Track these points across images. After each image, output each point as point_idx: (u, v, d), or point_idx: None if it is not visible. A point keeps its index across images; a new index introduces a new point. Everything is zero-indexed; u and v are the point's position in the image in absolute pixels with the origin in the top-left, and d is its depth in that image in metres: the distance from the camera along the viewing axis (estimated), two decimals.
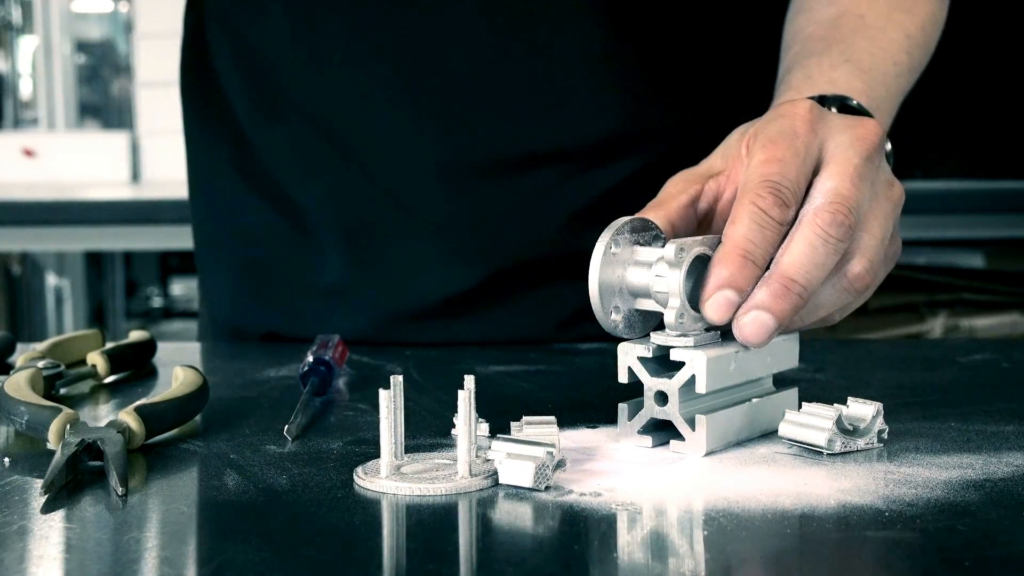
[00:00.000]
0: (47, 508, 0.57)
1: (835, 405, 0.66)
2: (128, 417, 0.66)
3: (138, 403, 0.68)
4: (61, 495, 0.59)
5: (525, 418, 0.66)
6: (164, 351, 0.93)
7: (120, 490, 0.59)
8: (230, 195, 1.05)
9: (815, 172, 0.69)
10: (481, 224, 0.97)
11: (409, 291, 0.99)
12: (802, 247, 0.66)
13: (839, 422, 0.65)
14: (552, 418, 0.66)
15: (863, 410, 0.67)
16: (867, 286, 0.69)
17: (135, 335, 0.90)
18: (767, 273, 0.66)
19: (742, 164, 0.71)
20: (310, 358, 0.80)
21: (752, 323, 0.64)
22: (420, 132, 0.96)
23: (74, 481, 0.61)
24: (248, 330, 1.05)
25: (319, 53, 0.97)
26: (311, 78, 0.98)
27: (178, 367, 0.76)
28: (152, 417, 0.67)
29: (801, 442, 0.65)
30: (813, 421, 0.65)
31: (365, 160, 0.98)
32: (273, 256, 1.03)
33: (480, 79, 0.95)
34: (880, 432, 0.67)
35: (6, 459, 0.65)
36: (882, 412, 0.67)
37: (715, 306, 0.65)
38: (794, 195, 0.67)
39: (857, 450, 0.66)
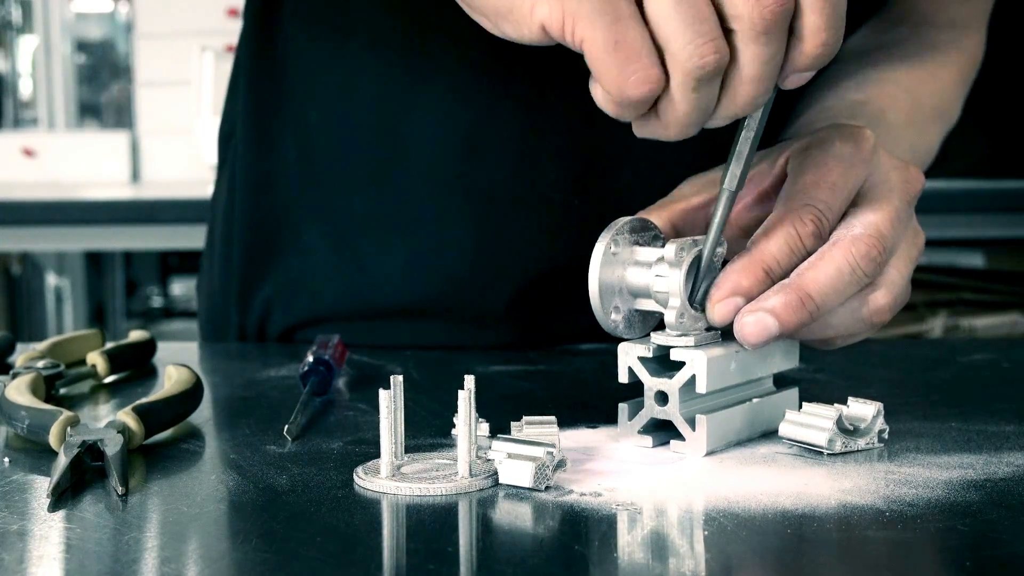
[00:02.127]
0: (53, 509, 0.57)
1: (835, 405, 0.66)
2: (127, 417, 0.66)
3: (136, 403, 0.68)
4: (64, 496, 0.59)
5: (525, 418, 0.66)
6: (164, 351, 0.92)
7: (120, 489, 0.59)
8: (288, 207, 1.03)
9: (854, 201, 0.69)
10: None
11: (480, 334, 0.98)
12: (830, 270, 0.66)
13: (839, 422, 0.65)
14: (552, 418, 0.66)
15: (863, 410, 0.67)
16: (883, 320, 0.69)
17: (135, 335, 0.90)
18: (787, 280, 0.66)
19: (769, 174, 0.72)
20: (310, 358, 0.80)
21: (756, 324, 0.64)
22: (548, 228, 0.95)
23: (76, 482, 0.61)
24: (294, 338, 1.04)
25: (488, 135, 0.95)
26: (459, 157, 0.95)
27: (170, 366, 0.76)
28: (150, 416, 0.67)
29: (801, 442, 0.65)
30: (813, 421, 0.65)
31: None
32: (328, 275, 1.01)
33: (633, 193, 0.94)
34: (880, 432, 0.67)
35: (6, 459, 0.66)
36: (882, 412, 0.67)
37: (724, 311, 0.65)
38: (831, 226, 0.68)
39: (857, 450, 0.66)
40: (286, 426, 0.69)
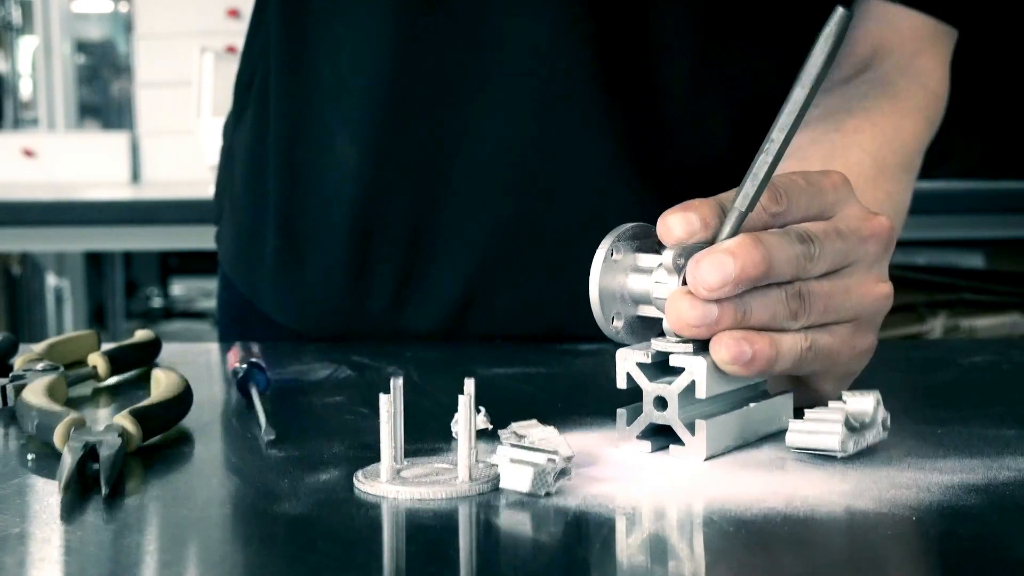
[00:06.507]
0: (64, 507, 0.57)
1: (835, 405, 0.66)
2: (124, 420, 0.66)
3: (132, 407, 0.68)
4: (64, 498, 0.59)
5: (513, 424, 0.67)
6: (166, 352, 0.92)
7: (104, 491, 0.58)
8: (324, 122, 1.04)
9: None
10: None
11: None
12: (777, 233, 0.66)
13: (847, 422, 0.65)
14: (534, 421, 0.66)
15: (864, 403, 0.66)
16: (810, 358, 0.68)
17: (140, 335, 0.90)
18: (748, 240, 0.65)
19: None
20: (241, 364, 0.78)
21: (714, 263, 0.63)
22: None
23: (80, 483, 0.61)
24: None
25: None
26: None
27: (157, 370, 0.76)
28: (148, 419, 0.67)
29: (813, 449, 0.65)
30: (821, 426, 0.64)
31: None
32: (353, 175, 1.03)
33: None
34: (883, 421, 0.66)
35: (30, 456, 0.65)
36: (881, 400, 0.66)
37: (678, 222, 0.65)
38: (790, 203, 0.68)
39: (867, 446, 0.65)
40: (262, 432, 0.69)
